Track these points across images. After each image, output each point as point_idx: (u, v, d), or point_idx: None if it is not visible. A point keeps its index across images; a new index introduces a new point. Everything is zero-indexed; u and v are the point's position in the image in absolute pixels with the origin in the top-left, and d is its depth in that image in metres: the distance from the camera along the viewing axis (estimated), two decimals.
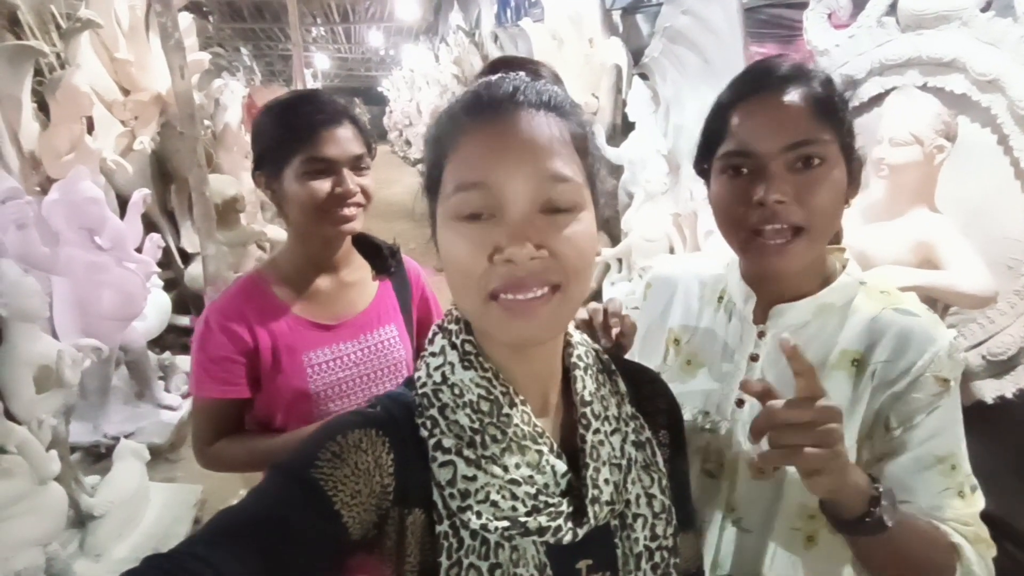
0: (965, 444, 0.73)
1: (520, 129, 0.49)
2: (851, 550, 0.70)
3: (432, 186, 0.55)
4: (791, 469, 0.70)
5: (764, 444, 0.69)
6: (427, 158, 0.56)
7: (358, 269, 1.17)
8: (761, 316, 0.80)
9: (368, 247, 1.20)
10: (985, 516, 0.73)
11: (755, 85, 0.73)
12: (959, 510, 0.70)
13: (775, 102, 0.71)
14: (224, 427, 1.07)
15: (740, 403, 0.79)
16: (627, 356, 0.73)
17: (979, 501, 0.72)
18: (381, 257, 1.19)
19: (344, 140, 1.02)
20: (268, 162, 1.04)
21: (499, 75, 0.54)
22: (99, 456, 2.62)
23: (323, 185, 1.01)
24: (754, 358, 0.79)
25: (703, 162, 0.80)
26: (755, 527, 0.78)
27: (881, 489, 0.63)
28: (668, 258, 1.01)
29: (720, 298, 0.86)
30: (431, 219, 0.56)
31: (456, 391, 0.55)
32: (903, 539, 0.64)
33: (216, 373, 1.03)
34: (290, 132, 1.01)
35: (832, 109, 0.71)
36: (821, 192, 0.69)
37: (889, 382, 0.71)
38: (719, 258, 0.91)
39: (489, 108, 0.51)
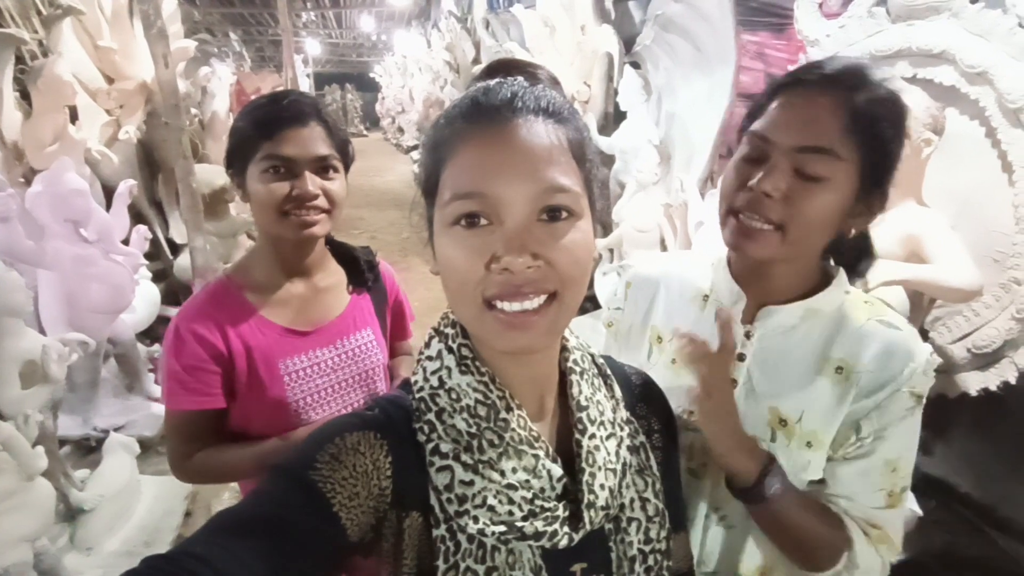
0: (916, 449, 0.76)
1: (518, 137, 0.49)
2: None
3: (430, 190, 0.54)
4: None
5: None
6: (425, 162, 0.55)
7: (332, 273, 1.13)
8: (748, 316, 0.81)
9: (346, 257, 1.16)
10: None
11: (805, 75, 0.72)
12: (872, 511, 0.75)
13: (810, 98, 0.69)
14: (202, 440, 1.02)
15: None
16: (611, 357, 0.73)
17: (904, 502, 0.76)
18: (359, 269, 1.15)
19: (307, 140, 0.97)
20: (236, 160, 1.01)
21: (497, 80, 0.53)
22: (89, 450, 2.61)
23: (281, 186, 0.97)
24: (741, 358, 0.80)
25: (743, 128, 0.79)
26: (739, 522, 0.80)
27: (771, 468, 0.71)
28: (648, 256, 1.01)
29: (705, 296, 0.86)
30: (428, 224, 0.55)
31: (453, 395, 0.56)
32: (791, 517, 0.72)
33: (190, 384, 0.98)
34: (253, 129, 0.97)
35: (869, 129, 0.67)
36: (812, 205, 0.68)
37: (869, 392, 0.73)
38: (702, 256, 0.91)
39: (487, 114, 0.50)
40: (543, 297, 0.49)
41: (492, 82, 0.53)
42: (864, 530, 0.75)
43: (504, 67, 0.58)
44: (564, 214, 0.49)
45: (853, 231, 0.74)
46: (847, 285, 0.80)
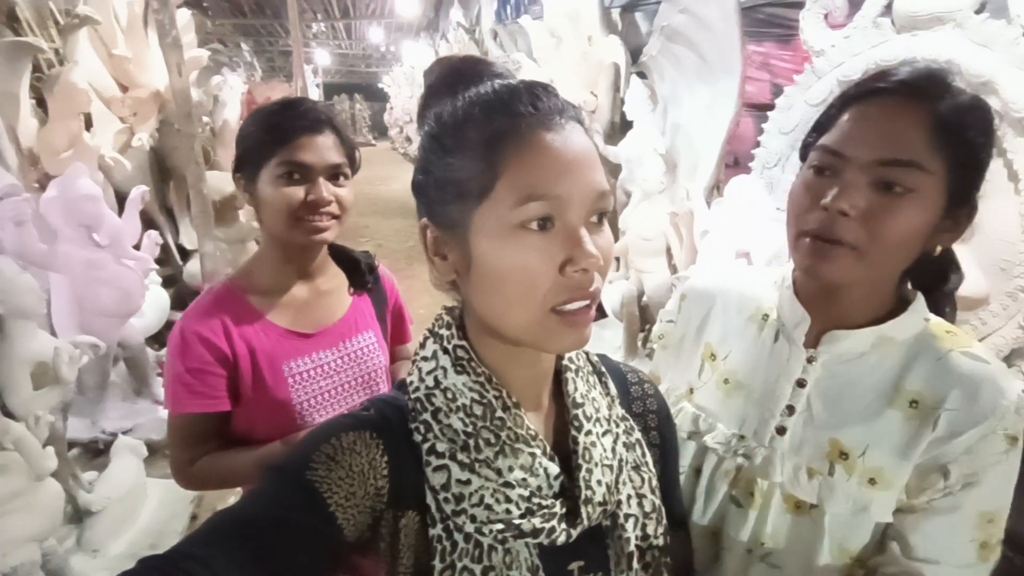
0: (1011, 496, 0.68)
1: (576, 142, 0.50)
2: None
3: (473, 192, 0.50)
4: (834, 508, 0.70)
5: (802, 476, 0.72)
6: (463, 163, 0.50)
7: (334, 277, 1.14)
8: (813, 340, 0.75)
9: (346, 260, 1.17)
10: None
11: (880, 84, 0.66)
12: (959, 571, 0.67)
13: (889, 108, 0.64)
14: (205, 444, 1.02)
15: (781, 430, 0.74)
16: (606, 355, 0.73)
17: (996, 554, 0.68)
18: (359, 272, 1.16)
19: (322, 148, 0.99)
20: (246, 164, 1.02)
21: (529, 83, 0.52)
22: (97, 452, 2.62)
23: (296, 191, 0.98)
24: (801, 384, 0.74)
25: (808, 143, 0.73)
26: (786, 566, 0.74)
27: None
28: (706, 269, 0.96)
29: (765, 316, 0.80)
30: (456, 228, 0.52)
31: (449, 395, 0.56)
32: None
33: (195, 387, 0.98)
34: (268, 135, 0.98)
35: (957, 140, 0.62)
36: (893, 224, 0.62)
37: (956, 433, 0.66)
38: (764, 273, 0.87)
39: (545, 119, 0.50)
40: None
41: (527, 85, 0.52)
42: None
43: (450, 63, 0.59)
44: (604, 215, 0.52)
45: (939, 249, 0.68)
46: (926, 312, 0.72)
